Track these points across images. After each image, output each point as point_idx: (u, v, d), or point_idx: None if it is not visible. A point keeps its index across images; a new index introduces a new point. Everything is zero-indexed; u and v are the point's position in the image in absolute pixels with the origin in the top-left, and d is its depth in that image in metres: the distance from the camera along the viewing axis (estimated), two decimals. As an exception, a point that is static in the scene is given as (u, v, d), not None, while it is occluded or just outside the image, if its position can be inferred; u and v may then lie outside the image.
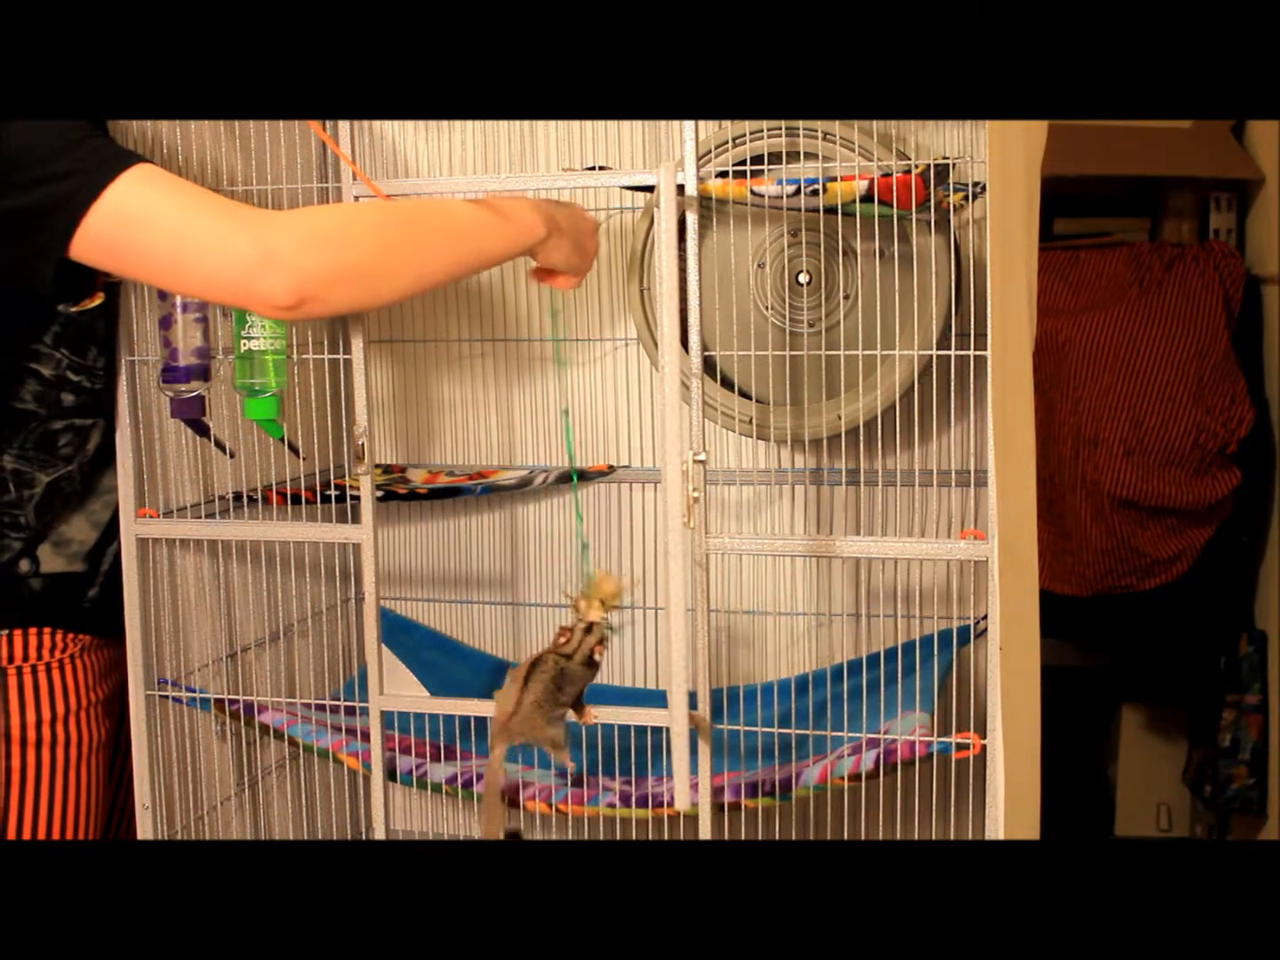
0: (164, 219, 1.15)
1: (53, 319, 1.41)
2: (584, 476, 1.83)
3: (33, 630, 1.44)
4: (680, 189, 1.38)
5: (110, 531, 1.51)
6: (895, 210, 1.43)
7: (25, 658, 1.43)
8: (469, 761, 1.58)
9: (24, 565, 1.44)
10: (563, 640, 1.34)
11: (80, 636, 1.47)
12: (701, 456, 1.28)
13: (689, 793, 1.26)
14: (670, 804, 1.45)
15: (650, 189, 1.57)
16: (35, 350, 1.41)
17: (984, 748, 1.35)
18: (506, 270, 1.83)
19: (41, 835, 1.43)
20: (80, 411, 1.45)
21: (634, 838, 1.72)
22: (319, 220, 1.21)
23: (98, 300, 1.41)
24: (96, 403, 1.47)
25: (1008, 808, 1.33)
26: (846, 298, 1.59)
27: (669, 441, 1.22)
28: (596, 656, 1.37)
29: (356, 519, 1.47)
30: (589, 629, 1.35)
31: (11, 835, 1.41)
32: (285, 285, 1.14)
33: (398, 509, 1.92)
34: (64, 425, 1.44)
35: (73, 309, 1.41)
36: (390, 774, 1.53)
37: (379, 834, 1.49)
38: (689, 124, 1.38)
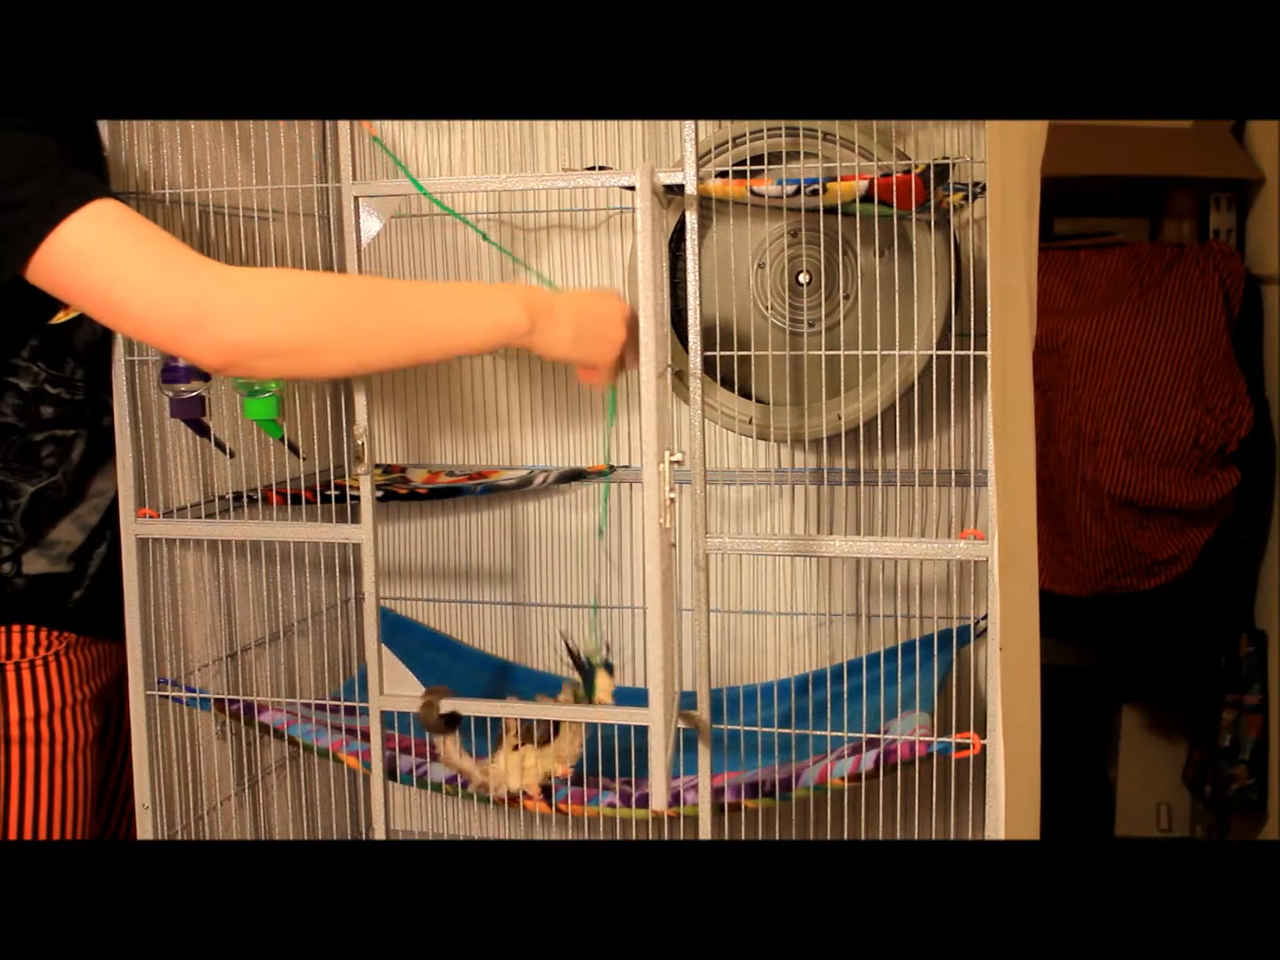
0: (110, 263, 1.15)
1: (29, 333, 1.41)
2: (583, 476, 1.83)
3: (15, 628, 1.43)
4: (679, 188, 1.38)
5: (98, 534, 1.50)
6: (895, 210, 1.43)
7: (8, 655, 1.43)
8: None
9: (6, 568, 1.43)
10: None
11: (65, 635, 1.47)
12: (678, 457, 1.27)
13: (666, 794, 1.25)
14: (672, 804, 1.45)
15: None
16: (12, 364, 1.41)
17: (984, 748, 1.35)
18: (506, 269, 1.83)
19: (29, 834, 1.42)
20: (61, 423, 1.45)
21: (634, 838, 1.72)
22: (265, 289, 1.19)
23: (74, 312, 1.41)
24: (77, 413, 1.46)
25: (1008, 808, 1.33)
26: (846, 297, 1.59)
27: (647, 443, 1.22)
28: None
29: (356, 519, 1.47)
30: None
31: None
32: (211, 350, 1.15)
33: (398, 508, 1.92)
34: (45, 437, 1.44)
35: (48, 321, 1.41)
36: (390, 773, 1.53)
37: (379, 834, 1.49)
38: (689, 124, 1.37)
